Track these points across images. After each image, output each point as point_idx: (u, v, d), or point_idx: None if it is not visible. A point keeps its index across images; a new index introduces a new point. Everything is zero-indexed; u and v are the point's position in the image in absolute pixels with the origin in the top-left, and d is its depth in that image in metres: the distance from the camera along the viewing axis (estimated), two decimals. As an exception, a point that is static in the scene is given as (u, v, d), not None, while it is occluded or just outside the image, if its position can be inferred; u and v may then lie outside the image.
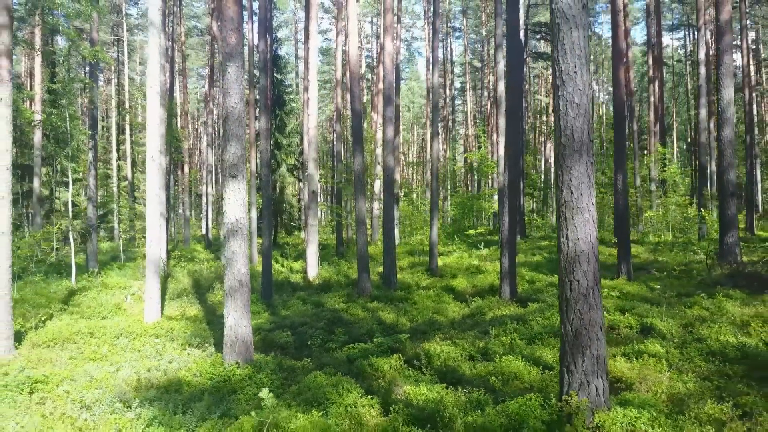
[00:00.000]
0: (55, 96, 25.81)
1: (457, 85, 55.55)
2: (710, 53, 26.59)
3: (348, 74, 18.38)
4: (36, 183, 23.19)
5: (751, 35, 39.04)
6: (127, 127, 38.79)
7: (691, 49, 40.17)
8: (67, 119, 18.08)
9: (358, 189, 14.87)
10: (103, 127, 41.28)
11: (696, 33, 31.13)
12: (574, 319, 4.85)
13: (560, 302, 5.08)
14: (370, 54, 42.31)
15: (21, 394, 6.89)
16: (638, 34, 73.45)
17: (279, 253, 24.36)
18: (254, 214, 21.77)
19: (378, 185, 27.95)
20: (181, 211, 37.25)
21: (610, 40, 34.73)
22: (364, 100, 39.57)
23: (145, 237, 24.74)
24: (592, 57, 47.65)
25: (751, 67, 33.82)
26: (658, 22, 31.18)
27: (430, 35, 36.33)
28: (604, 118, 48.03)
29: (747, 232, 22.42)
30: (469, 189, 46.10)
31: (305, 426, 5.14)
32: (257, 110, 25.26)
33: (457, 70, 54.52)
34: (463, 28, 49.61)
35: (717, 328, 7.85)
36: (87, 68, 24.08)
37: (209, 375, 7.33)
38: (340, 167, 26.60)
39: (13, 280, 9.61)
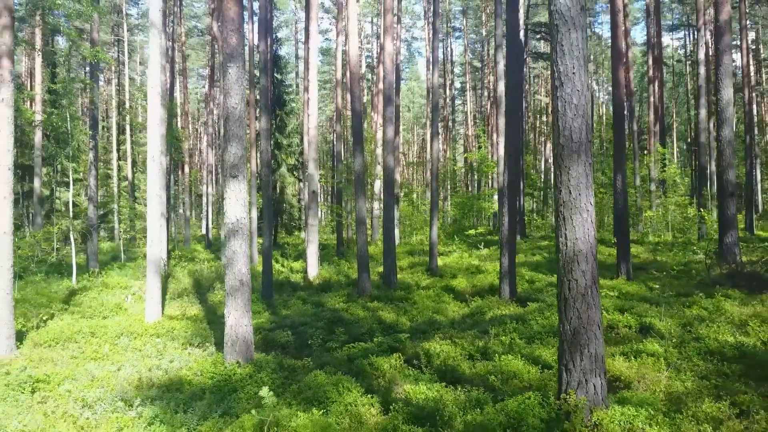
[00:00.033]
0: (55, 96, 25.86)
1: (458, 85, 55.61)
2: (710, 53, 26.63)
3: (348, 74, 18.42)
4: (36, 183, 23.25)
5: (751, 35, 39.09)
6: (128, 127, 38.85)
7: (691, 49, 40.21)
8: (68, 119, 18.12)
9: (359, 189, 14.91)
10: (103, 127, 41.33)
11: (696, 33, 31.18)
12: (573, 318, 4.89)
13: (559, 301, 5.11)
14: (370, 54, 42.36)
15: (23, 393, 6.93)
16: (638, 34, 73.43)
17: (279, 253, 24.40)
18: (254, 214, 21.81)
19: (378, 185, 28.00)
20: (181, 211, 37.32)
21: (609, 41, 34.76)
22: (365, 100, 39.61)
23: (145, 237, 24.79)
24: (592, 57, 47.72)
25: (751, 67, 33.87)
26: (658, 23, 31.22)
27: (430, 35, 36.37)
28: (604, 118, 48.08)
29: (747, 232, 22.45)
30: (469, 189, 46.14)
31: (306, 424, 5.18)
32: (257, 110, 25.30)
33: (457, 70, 54.57)
34: (463, 28, 49.66)
35: (715, 328, 7.89)
36: (87, 68, 24.14)
37: (210, 374, 7.36)
38: (340, 167, 26.64)
39: (14, 280, 9.65)
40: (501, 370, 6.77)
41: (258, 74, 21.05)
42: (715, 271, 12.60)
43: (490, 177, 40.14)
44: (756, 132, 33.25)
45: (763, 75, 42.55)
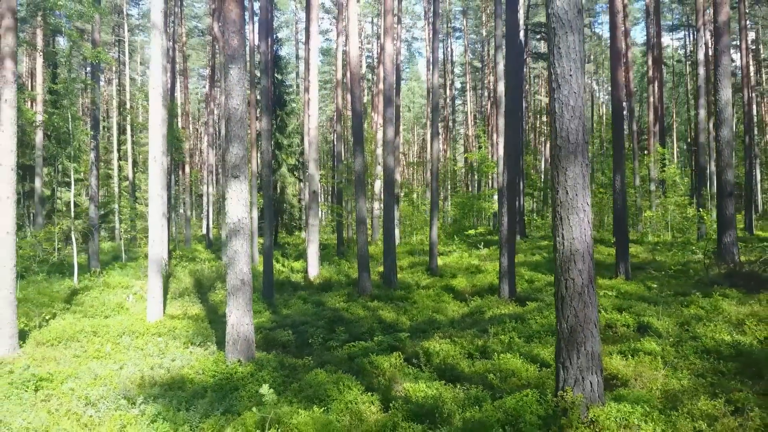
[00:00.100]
0: (56, 96, 25.94)
1: (458, 85, 55.67)
2: (709, 54, 26.68)
3: (348, 75, 18.48)
4: (38, 183, 23.32)
5: (751, 35, 39.14)
6: (128, 128, 38.95)
7: (691, 49, 40.25)
8: (69, 119, 18.19)
9: (359, 189, 14.98)
10: (104, 127, 41.42)
11: (695, 33, 31.24)
12: (570, 317, 4.96)
13: (556, 300, 5.19)
14: (370, 54, 42.42)
15: (26, 391, 7.01)
16: (638, 34, 73.59)
17: (280, 252, 24.48)
18: (255, 214, 21.88)
19: (378, 185, 28.07)
20: (182, 211, 37.42)
21: (609, 41, 34.75)
22: (365, 101, 39.68)
23: (146, 237, 24.87)
24: (592, 57, 47.79)
25: (751, 68, 33.92)
26: (658, 23, 31.27)
27: (431, 36, 36.44)
28: (604, 118, 48.12)
29: (746, 231, 22.50)
30: (470, 189, 46.21)
31: (306, 422, 5.25)
32: (258, 111, 25.38)
33: (457, 70, 54.64)
34: (463, 28, 49.73)
35: (713, 327, 7.95)
36: (88, 69, 24.21)
37: (212, 372, 7.43)
38: (340, 167, 26.71)
39: (16, 280, 9.73)
40: (500, 368, 6.84)
41: (259, 75, 21.13)
42: (713, 271, 12.66)
43: (490, 177, 40.20)
44: (755, 132, 33.31)
45: (763, 75, 42.60)
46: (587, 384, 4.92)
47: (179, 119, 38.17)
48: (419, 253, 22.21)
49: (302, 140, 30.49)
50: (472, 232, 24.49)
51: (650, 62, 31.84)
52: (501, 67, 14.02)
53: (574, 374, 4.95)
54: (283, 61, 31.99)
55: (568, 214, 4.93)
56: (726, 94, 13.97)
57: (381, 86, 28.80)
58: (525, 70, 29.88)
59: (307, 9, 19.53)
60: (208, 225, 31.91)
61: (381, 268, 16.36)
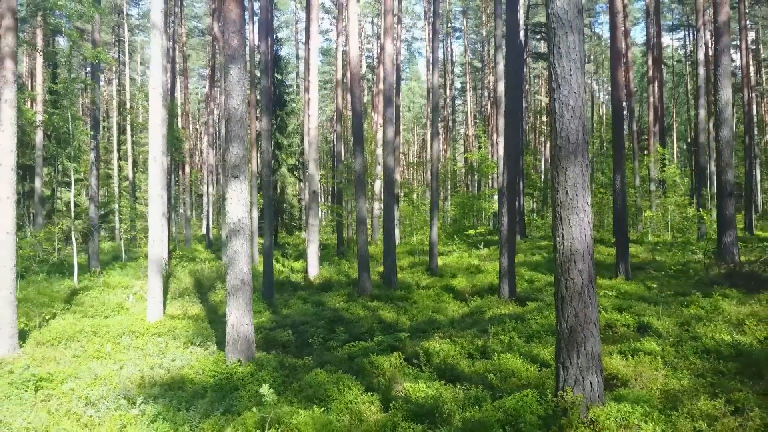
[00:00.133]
0: (56, 96, 25.94)
1: (458, 85, 55.68)
2: (709, 54, 26.69)
3: (348, 75, 18.48)
4: (38, 183, 23.33)
5: (751, 35, 39.14)
6: (128, 128, 38.96)
7: (691, 49, 40.25)
8: (70, 119, 18.20)
9: (359, 189, 14.98)
10: (104, 127, 41.43)
11: (695, 33, 31.24)
12: (570, 317, 4.96)
13: (556, 300, 5.19)
14: (370, 54, 42.43)
15: (26, 391, 7.01)
16: (638, 34, 73.60)
17: (280, 252, 24.48)
18: (255, 214, 21.88)
19: (378, 185, 28.07)
20: (182, 211, 37.41)
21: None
22: (365, 101, 39.69)
23: (146, 237, 24.86)
24: (592, 57, 47.80)
25: (751, 68, 33.92)
26: (658, 23, 31.27)
27: (431, 36, 36.44)
28: (605, 118, 48.12)
29: (746, 231, 22.51)
30: (470, 189, 46.22)
31: (306, 421, 5.25)
32: (258, 111, 25.39)
33: (457, 70, 54.65)
34: (463, 28, 49.74)
35: (712, 327, 7.96)
36: (88, 69, 24.22)
37: (212, 372, 7.43)
38: (340, 167, 26.71)
39: (16, 280, 9.73)
40: (500, 368, 6.84)
41: (259, 75, 21.12)
42: (713, 271, 12.66)
43: (490, 177, 40.20)
44: (756, 132, 33.30)
45: (763, 75, 42.60)
46: (587, 384, 4.92)
47: (179, 119, 38.17)
48: (419, 253, 22.21)
49: (302, 140, 30.49)
50: (472, 232, 24.49)
51: (650, 62, 31.84)
52: (501, 67, 14.02)
53: (574, 374, 4.95)
54: (283, 61, 32.00)
55: (568, 214, 4.93)
56: (726, 94, 13.97)
57: (381, 86, 28.80)
58: (525, 70, 29.88)
59: (307, 9, 19.53)
60: (208, 225, 31.91)
61: (381, 268, 16.36)
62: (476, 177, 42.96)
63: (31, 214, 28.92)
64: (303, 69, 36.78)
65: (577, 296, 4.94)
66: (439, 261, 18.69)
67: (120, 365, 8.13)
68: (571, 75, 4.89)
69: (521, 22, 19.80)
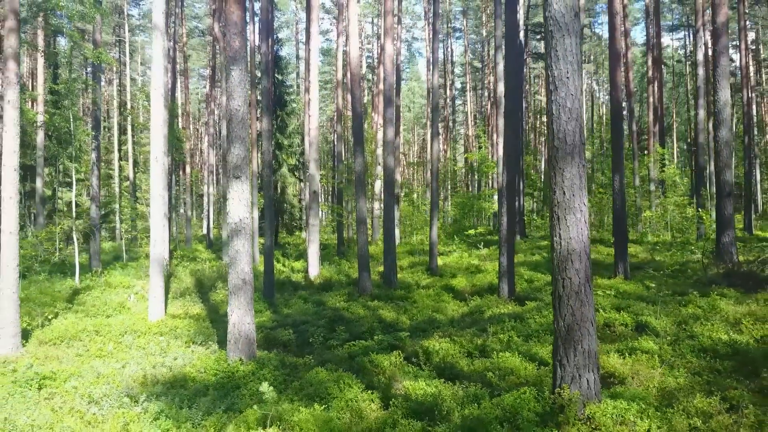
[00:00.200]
0: (57, 97, 26.06)
1: (458, 85, 55.74)
2: (709, 54, 26.73)
3: (349, 75, 18.55)
4: (39, 183, 23.40)
5: (751, 35, 39.19)
6: (129, 128, 39.05)
7: (691, 49, 40.28)
8: (71, 120, 18.29)
9: (359, 189, 15.05)
10: (105, 127, 41.53)
11: (695, 34, 31.31)
12: (567, 315, 5.03)
13: (553, 299, 5.26)
14: (370, 54, 42.50)
15: (30, 389, 7.08)
16: (638, 34, 73.61)
17: (280, 252, 24.56)
18: (256, 214, 21.96)
19: (378, 185, 28.14)
20: (182, 211, 37.48)
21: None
22: (365, 101, 39.75)
23: (147, 237, 24.89)
24: (592, 57, 47.84)
25: (751, 68, 33.97)
26: (658, 23, 31.34)
27: (431, 36, 36.51)
28: (605, 118, 48.15)
29: (745, 231, 22.57)
30: (470, 189, 46.27)
31: (307, 419, 5.33)
32: (259, 111, 25.47)
33: (457, 70, 54.72)
34: (463, 28, 49.81)
35: (710, 326, 8.02)
36: (89, 69, 24.28)
37: (213, 371, 7.51)
38: (341, 167, 26.78)
39: (18, 279, 9.81)
40: (498, 366, 6.91)
41: (259, 75, 21.19)
42: (711, 271, 12.72)
43: (490, 177, 40.26)
44: (755, 132, 33.35)
45: (763, 75, 42.66)
46: (584, 381, 5.00)
47: (180, 119, 38.24)
48: (419, 253, 22.28)
49: (303, 140, 30.57)
50: (472, 232, 24.54)
51: (650, 62, 31.90)
52: (501, 67, 14.08)
53: (571, 372, 5.03)
54: (284, 61, 32.08)
55: (566, 214, 5.00)
56: (724, 94, 14.03)
57: (381, 86, 28.87)
58: (525, 70, 29.94)
59: (308, 9, 19.60)
60: (208, 225, 31.99)
61: (381, 268, 16.44)
62: (476, 177, 43.02)
63: (32, 214, 29.04)
64: (303, 69, 36.88)
65: (574, 295, 5.02)
66: (439, 261, 18.76)
67: (122, 364, 8.21)
68: (568, 77, 4.96)
69: (521, 22, 19.87)
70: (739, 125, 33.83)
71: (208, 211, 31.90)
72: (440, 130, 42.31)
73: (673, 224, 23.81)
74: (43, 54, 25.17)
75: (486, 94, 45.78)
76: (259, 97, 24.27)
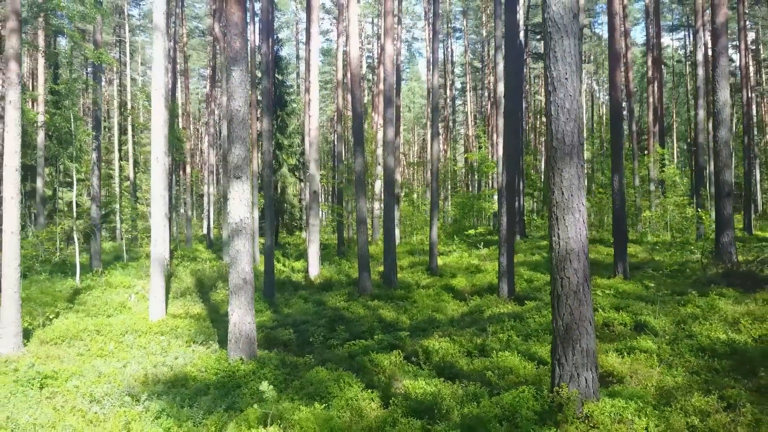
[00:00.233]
0: (58, 97, 26.09)
1: (458, 85, 55.78)
2: (709, 54, 26.75)
3: (349, 75, 18.58)
4: (39, 183, 23.44)
5: (751, 36, 39.22)
6: (129, 128, 39.08)
7: (691, 49, 40.31)
8: (71, 120, 18.33)
9: (359, 189, 15.09)
10: (105, 127, 41.56)
11: (694, 34, 31.34)
12: (565, 314, 5.07)
13: (552, 298, 5.30)
14: (371, 54, 42.54)
15: (32, 388, 7.12)
16: (638, 34, 73.58)
17: (281, 252, 24.60)
18: (256, 214, 22.00)
19: (379, 185, 28.18)
20: (182, 211, 37.53)
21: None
22: (365, 101, 39.79)
23: (147, 237, 24.90)
24: (592, 57, 47.88)
25: (750, 68, 34.00)
26: (657, 24, 31.36)
27: (431, 36, 36.54)
28: (605, 118, 48.17)
29: (745, 231, 22.60)
30: (470, 189, 46.30)
31: (308, 417, 5.36)
32: (259, 111, 25.51)
33: (457, 70, 54.76)
34: (463, 28, 49.85)
35: (708, 326, 8.05)
36: (89, 69, 24.32)
37: (214, 370, 7.55)
38: (341, 167, 26.82)
39: (19, 279, 9.85)
40: (498, 366, 6.95)
41: (260, 75, 21.23)
42: (710, 271, 12.76)
43: (490, 177, 40.29)
44: (755, 132, 33.38)
45: (763, 75, 42.68)
46: (582, 380, 5.03)
47: (180, 119, 38.31)
48: (419, 253, 22.32)
49: (303, 140, 30.60)
50: (472, 232, 24.57)
51: (650, 62, 31.92)
52: (501, 67, 14.11)
53: (569, 370, 5.06)
54: (284, 61, 32.11)
55: (564, 214, 5.04)
56: (724, 95, 14.06)
57: (381, 87, 28.91)
58: (525, 70, 29.99)
59: (308, 10, 19.64)
60: (208, 225, 32.04)
61: (381, 268, 16.47)
62: (476, 177, 43.05)
63: (33, 214, 29.07)
64: (303, 69, 36.91)
65: (572, 294, 5.05)
66: (439, 261, 18.79)
67: (123, 363, 8.25)
68: (566, 78, 4.99)
69: (521, 22, 19.90)
70: (739, 125, 33.85)
71: (209, 211, 31.94)
72: (440, 130, 42.37)
73: (672, 224, 23.83)
74: (43, 54, 25.21)
75: (486, 94, 45.81)
76: (259, 98, 24.32)
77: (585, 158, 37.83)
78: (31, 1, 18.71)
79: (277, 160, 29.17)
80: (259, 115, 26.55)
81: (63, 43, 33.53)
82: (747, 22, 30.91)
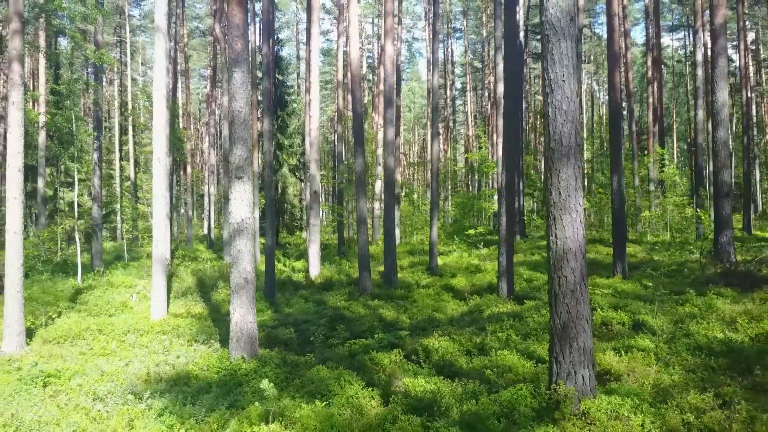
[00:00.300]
0: (59, 97, 26.16)
1: (458, 85, 55.84)
2: (708, 55, 26.81)
3: (349, 76, 18.65)
4: (40, 183, 23.52)
5: (751, 36, 39.27)
6: (130, 128, 39.16)
7: (691, 49, 40.35)
8: (73, 120, 18.41)
9: (360, 189, 15.16)
10: (105, 127, 41.63)
11: (694, 35, 31.40)
12: (562, 313, 5.14)
13: (550, 297, 5.37)
14: (371, 54, 42.61)
15: (35, 387, 7.19)
16: (638, 34, 73.61)
17: (281, 252, 24.66)
18: (257, 214, 22.06)
19: (379, 185, 28.25)
20: (183, 211, 37.62)
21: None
22: (366, 101, 39.86)
23: (148, 237, 24.97)
24: (592, 57, 47.96)
25: (750, 68, 34.05)
26: (657, 24, 31.42)
27: (431, 36, 36.60)
28: (605, 118, 48.22)
29: (744, 231, 22.65)
30: (470, 189, 46.36)
31: (309, 415, 5.43)
32: (260, 112, 25.58)
33: (458, 70, 54.83)
34: (463, 28, 49.91)
35: (705, 325, 8.12)
36: (90, 69, 24.41)
37: (216, 369, 7.62)
38: (341, 168, 26.89)
39: (22, 279, 9.92)
40: (497, 364, 7.02)
41: (260, 76, 21.29)
42: (709, 270, 12.82)
43: (490, 177, 40.35)
44: (755, 132, 33.44)
45: (763, 75, 42.73)
46: (579, 378, 5.11)
47: (181, 119, 38.38)
48: (419, 252, 22.38)
49: (303, 141, 30.67)
50: (472, 232, 24.63)
51: (650, 63, 31.98)
52: (501, 68, 14.14)
53: (566, 368, 5.14)
54: (284, 61, 32.18)
55: (561, 214, 5.11)
56: (723, 95, 14.13)
57: (381, 87, 28.97)
58: (525, 70, 30.05)
59: (308, 10, 19.71)
60: (209, 225, 32.11)
61: (381, 268, 16.54)
62: (476, 177, 43.11)
63: (34, 214, 29.13)
64: (304, 69, 36.98)
65: (569, 293, 5.13)
66: (439, 260, 18.86)
67: (126, 362, 8.32)
68: (563, 80, 5.07)
69: (521, 23, 19.97)
70: (739, 125, 33.93)
71: (209, 211, 32.02)
72: (440, 131, 42.45)
73: (672, 224, 23.90)
74: (44, 54, 25.31)
75: (486, 94, 45.87)
76: (260, 98, 24.39)
77: (585, 158, 37.99)
78: (33, 2, 18.80)
79: (277, 161, 29.25)
80: (259, 116, 26.63)
81: (64, 43, 33.61)
82: (746, 23, 30.98)
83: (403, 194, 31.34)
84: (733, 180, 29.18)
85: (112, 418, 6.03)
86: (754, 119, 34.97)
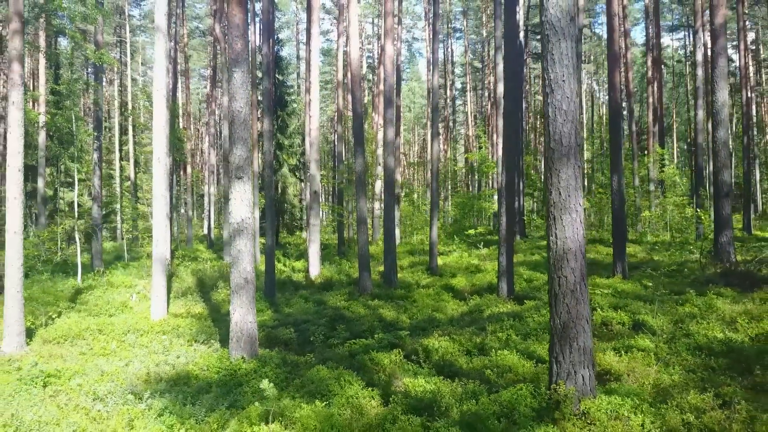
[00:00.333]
0: (59, 97, 26.17)
1: (458, 85, 55.85)
2: (708, 55, 26.81)
3: (349, 76, 18.65)
4: (40, 183, 23.52)
5: (751, 36, 39.27)
6: (130, 128, 39.17)
7: (691, 49, 40.34)
8: (73, 120, 18.41)
9: (360, 189, 15.16)
10: (105, 127, 41.64)
11: (694, 35, 31.40)
12: (562, 313, 5.14)
13: (550, 297, 5.37)
14: (371, 54, 42.62)
15: (35, 387, 7.19)
16: (638, 34, 73.60)
17: (281, 252, 24.66)
18: (257, 214, 22.06)
19: (379, 185, 28.25)
20: (183, 211, 37.62)
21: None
22: (366, 101, 39.86)
23: (148, 237, 24.98)
24: (592, 57, 47.96)
25: (750, 68, 34.06)
26: (657, 24, 31.42)
27: (431, 36, 36.60)
28: (605, 118, 48.21)
29: (744, 231, 22.65)
30: (470, 189, 46.36)
31: (309, 415, 5.43)
32: (260, 112, 25.58)
33: (458, 70, 54.83)
34: (463, 28, 49.92)
35: (705, 325, 8.12)
36: (90, 69, 24.41)
37: (216, 369, 7.62)
38: (341, 168, 26.89)
39: (22, 279, 9.92)
40: (497, 364, 7.02)
41: (260, 76, 21.29)
42: (709, 270, 12.83)
43: (490, 177, 40.35)
44: (755, 132, 33.44)
45: (763, 75, 42.73)
46: (579, 378, 5.11)
47: (181, 119, 38.39)
48: (419, 252, 22.38)
49: (303, 141, 30.67)
50: (472, 232, 24.63)
51: (650, 63, 31.98)
52: (501, 68, 14.14)
53: (566, 368, 5.14)
54: (284, 61, 32.18)
55: (561, 214, 5.11)
56: (722, 95, 14.13)
57: (381, 87, 28.97)
58: (525, 70, 30.06)
59: (308, 10, 19.71)
60: (209, 225, 32.11)
61: (381, 268, 16.54)
62: (476, 177, 43.11)
63: (34, 214, 29.13)
64: (304, 69, 36.99)
65: (569, 293, 5.13)
66: (439, 260, 18.86)
67: (126, 362, 8.32)
68: (563, 80, 5.07)
69: (521, 23, 19.97)
70: (739, 125, 33.93)
71: (209, 211, 32.02)
72: (440, 131, 42.47)
73: (672, 224, 23.90)
74: (44, 54, 25.31)
75: (486, 94, 45.86)
76: (260, 98, 24.39)
77: (585, 158, 37.99)
78: (33, 2, 18.80)
79: (277, 161, 29.25)
80: (259, 116, 26.63)
81: (64, 43, 33.62)
82: (746, 23, 30.99)
83: (403, 194, 31.34)
84: (733, 180, 29.19)
85: (112, 418, 6.03)
86: (754, 119, 34.98)
